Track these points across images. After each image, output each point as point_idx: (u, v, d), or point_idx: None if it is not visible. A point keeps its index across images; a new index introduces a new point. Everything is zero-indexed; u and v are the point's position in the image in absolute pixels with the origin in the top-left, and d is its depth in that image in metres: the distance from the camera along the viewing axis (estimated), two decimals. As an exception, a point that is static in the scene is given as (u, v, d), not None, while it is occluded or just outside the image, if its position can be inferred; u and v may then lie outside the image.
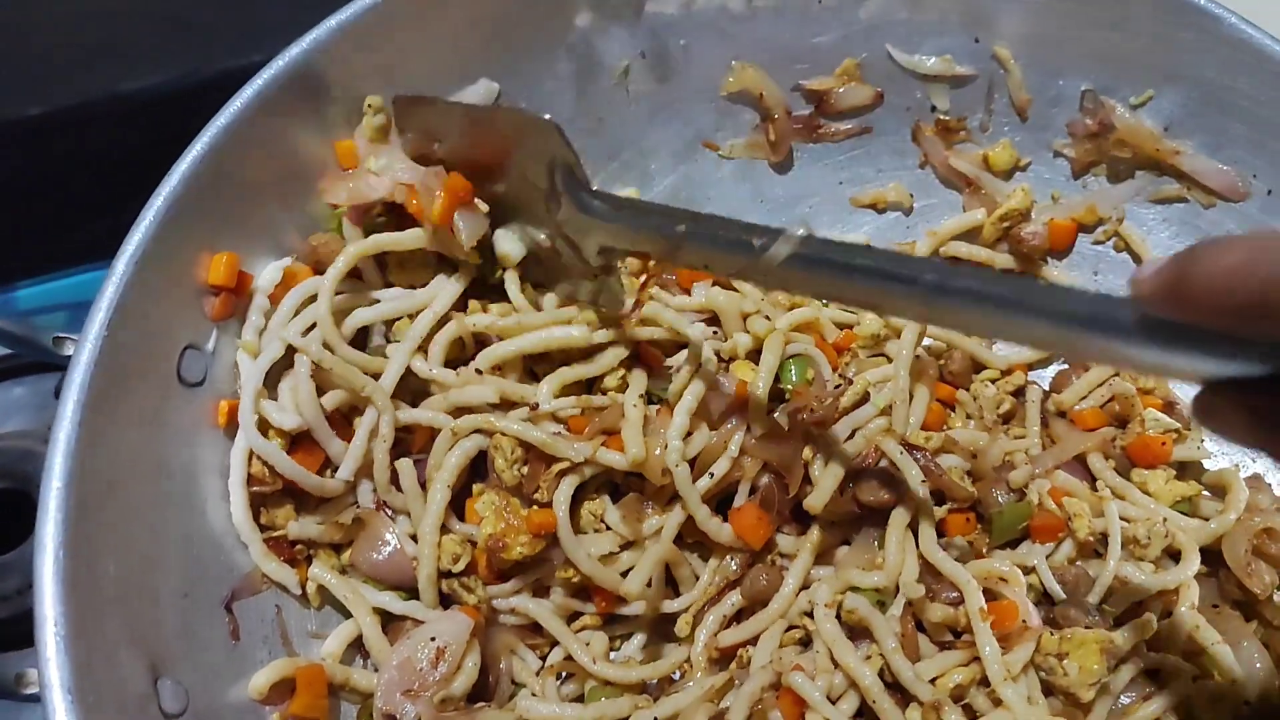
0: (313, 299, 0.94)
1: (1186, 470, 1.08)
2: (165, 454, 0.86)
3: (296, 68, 0.94)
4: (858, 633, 0.91)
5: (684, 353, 1.01)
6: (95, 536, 0.77)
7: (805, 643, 0.94)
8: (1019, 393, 1.12)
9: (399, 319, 0.98)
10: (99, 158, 1.32)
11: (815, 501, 0.94)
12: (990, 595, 0.94)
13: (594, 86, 1.12)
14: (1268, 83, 1.01)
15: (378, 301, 0.99)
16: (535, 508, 0.92)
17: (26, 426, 1.19)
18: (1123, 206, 1.14)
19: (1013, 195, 1.15)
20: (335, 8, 0.96)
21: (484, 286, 1.01)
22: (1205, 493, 1.06)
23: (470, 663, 0.89)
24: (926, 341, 1.08)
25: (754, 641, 0.95)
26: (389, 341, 0.98)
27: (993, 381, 1.12)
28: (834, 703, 0.88)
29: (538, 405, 0.93)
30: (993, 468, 1.02)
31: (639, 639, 0.98)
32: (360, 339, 0.99)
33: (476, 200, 0.96)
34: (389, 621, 0.94)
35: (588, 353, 0.98)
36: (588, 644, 0.95)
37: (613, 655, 0.97)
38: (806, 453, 0.95)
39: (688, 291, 1.07)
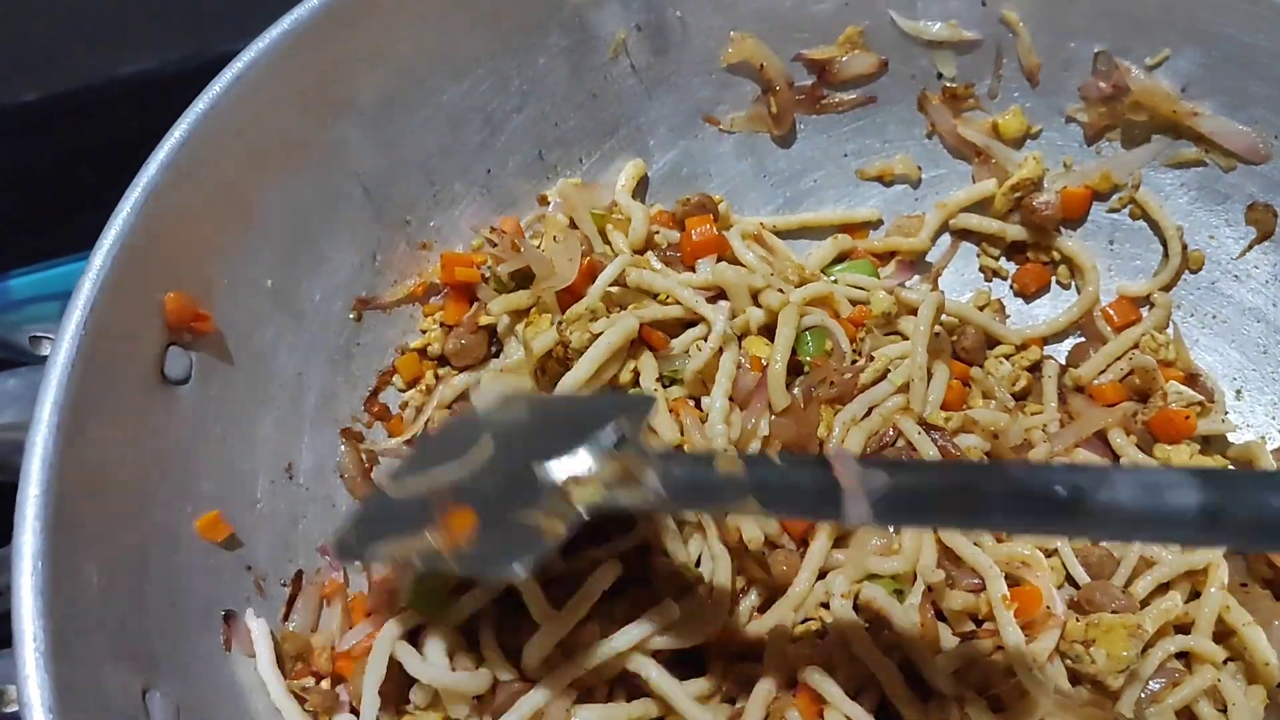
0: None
1: (1211, 444, 1.04)
2: (150, 456, 0.83)
3: (278, 50, 0.90)
4: (876, 623, 0.88)
5: (689, 333, 0.98)
6: (77, 545, 0.74)
7: (821, 634, 0.90)
8: (1035, 368, 1.09)
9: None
10: (97, 144, 1.30)
11: (831, 484, 0.90)
12: (1012, 581, 0.90)
13: (588, 61, 1.07)
14: (1292, 40, 0.97)
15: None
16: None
17: (20, 419, 1.16)
18: (1139, 172, 1.10)
19: (1024, 164, 1.11)
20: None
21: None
22: (1231, 467, 1.02)
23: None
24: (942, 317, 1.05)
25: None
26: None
27: (1007, 357, 1.09)
28: (854, 698, 0.85)
29: None
30: (1011, 447, 0.98)
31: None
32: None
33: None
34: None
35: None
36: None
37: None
38: (822, 431, 0.92)
39: (692, 268, 1.04)
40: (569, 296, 1.00)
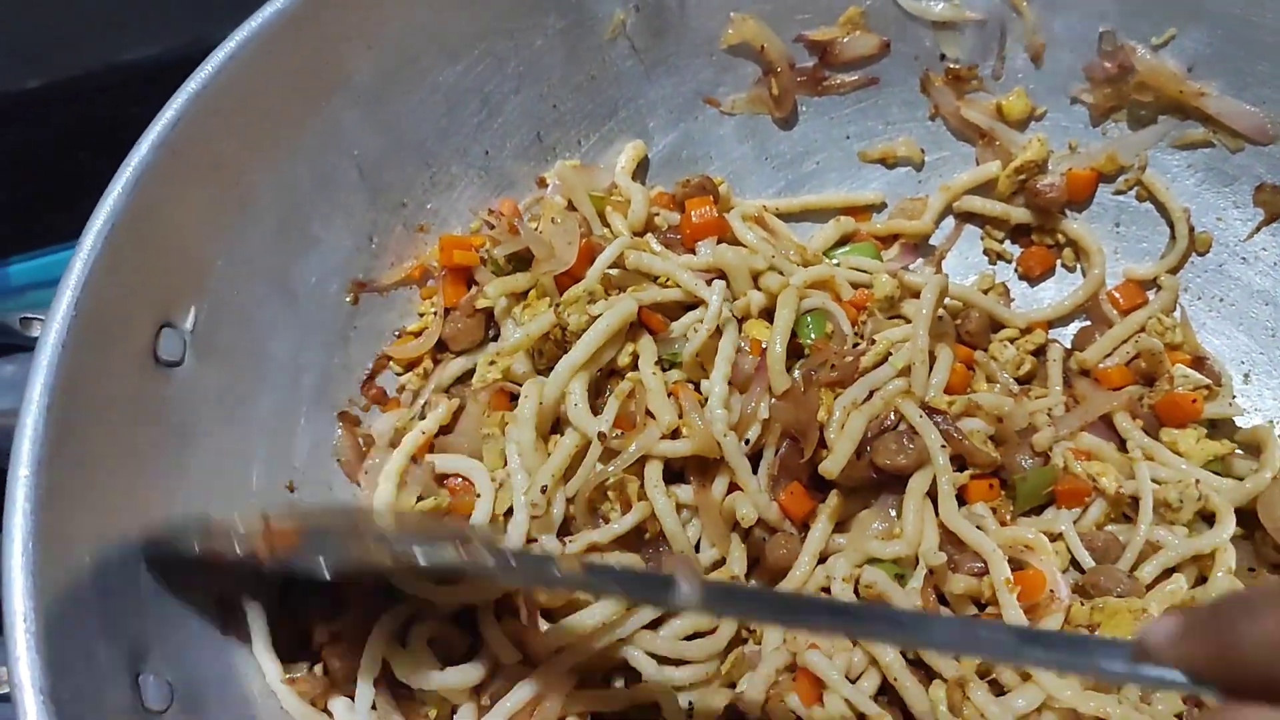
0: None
1: (1218, 428, 1.03)
2: (143, 438, 0.82)
3: (268, 32, 0.89)
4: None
5: (689, 315, 0.97)
6: (68, 526, 0.73)
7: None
8: (1039, 352, 1.08)
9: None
10: (97, 130, 1.28)
11: (832, 466, 0.89)
12: (1016, 564, 0.89)
13: (586, 42, 1.06)
14: (1297, 18, 0.96)
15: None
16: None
17: (16, 405, 1.16)
18: (1145, 154, 1.09)
19: (1028, 146, 1.10)
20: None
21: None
22: (1239, 451, 1.01)
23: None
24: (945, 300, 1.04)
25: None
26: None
27: (1012, 341, 1.07)
28: (854, 682, 0.84)
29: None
30: (1016, 431, 0.97)
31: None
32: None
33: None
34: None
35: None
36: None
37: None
38: (822, 415, 0.91)
39: (692, 250, 1.03)
40: (567, 279, 0.99)
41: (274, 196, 0.92)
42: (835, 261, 1.08)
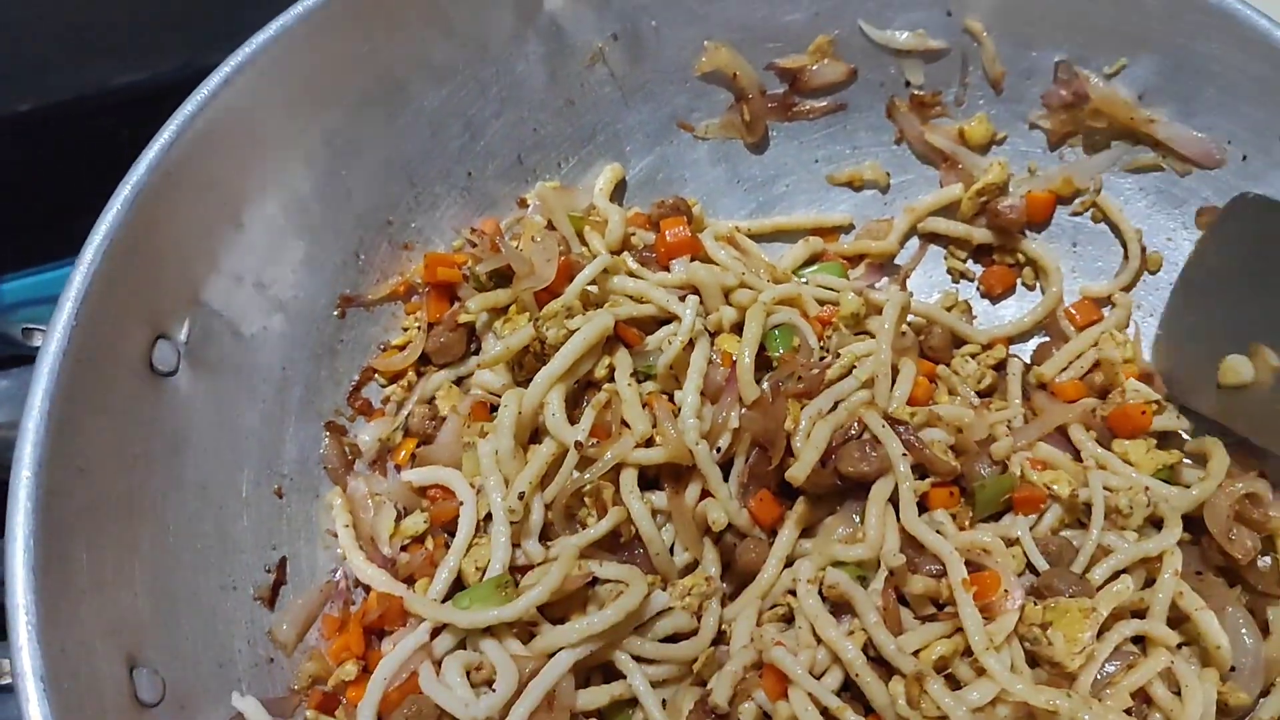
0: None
1: (1167, 440, 1.07)
2: (139, 444, 0.86)
3: (261, 57, 0.93)
4: (840, 608, 0.91)
5: (663, 330, 1.01)
6: (67, 525, 0.77)
7: (788, 620, 0.93)
8: (1000, 366, 1.12)
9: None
10: (92, 150, 1.31)
11: (798, 473, 0.93)
12: (973, 567, 0.93)
13: (565, 69, 1.11)
14: (1239, 46, 1.01)
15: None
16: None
17: (11, 418, 1.18)
18: (1100, 177, 1.14)
19: (989, 169, 1.15)
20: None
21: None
22: (1187, 461, 1.05)
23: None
24: (910, 318, 1.08)
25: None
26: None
27: (973, 356, 1.12)
28: (818, 678, 0.87)
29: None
30: (975, 441, 1.01)
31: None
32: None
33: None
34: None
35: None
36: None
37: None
38: (789, 425, 0.95)
39: (666, 268, 1.07)
40: (546, 295, 1.02)
41: (265, 214, 0.97)
42: (803, 279, 1.12)
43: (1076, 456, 1.04)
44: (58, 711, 0.70)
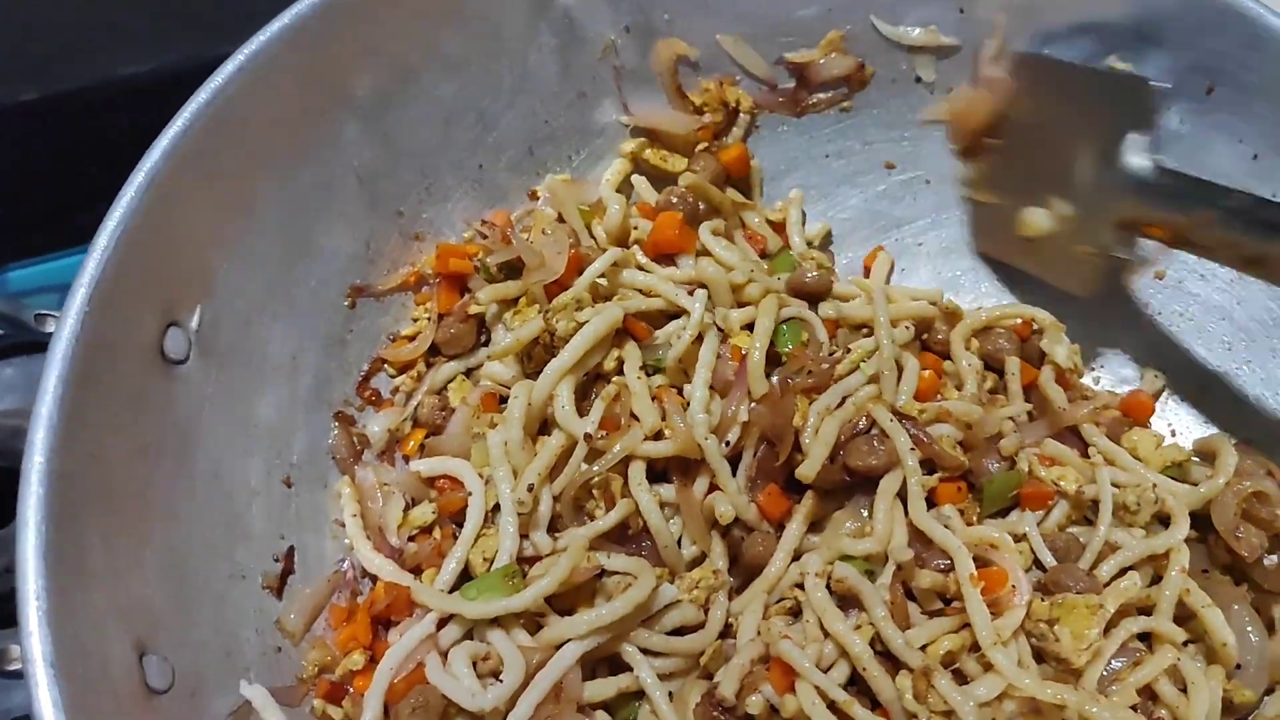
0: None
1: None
2: (150, 431, 0.86)
3: (275, 46, 0.93)
4: (848, 602, 0.91)
5: (672, 324, 1.02)
6: (79, 511, 0.76)
7: (795, 613, 0.93)
8: (1000, 370, 1.11)
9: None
10: (97, 141, 1.31)
11: (807, 470, 0.94)
12: (981, 563, 0.93)
13: (578, 61, 1.11)
14: (1251, 45, 1.01)
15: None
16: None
17: (19, 405, 1.19)
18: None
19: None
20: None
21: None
22: (1195, 458, 1.05)
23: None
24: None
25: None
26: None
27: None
28: (825, 672, 0.88)
29: (590, 435, 0.94)
30: (985, 438, 1.02)
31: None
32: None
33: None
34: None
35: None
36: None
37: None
38: (797, 420, 0.95)
39: (671, 261, 1.07)
40: (556, 288, 1.02)
41: (277, 204, 0.97)
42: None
43: (1084, 452, 1.04)
44: (68, 698, 0.69)
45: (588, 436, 0.94)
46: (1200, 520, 0.99)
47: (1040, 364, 1.10)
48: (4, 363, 1.23)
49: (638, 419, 0.96)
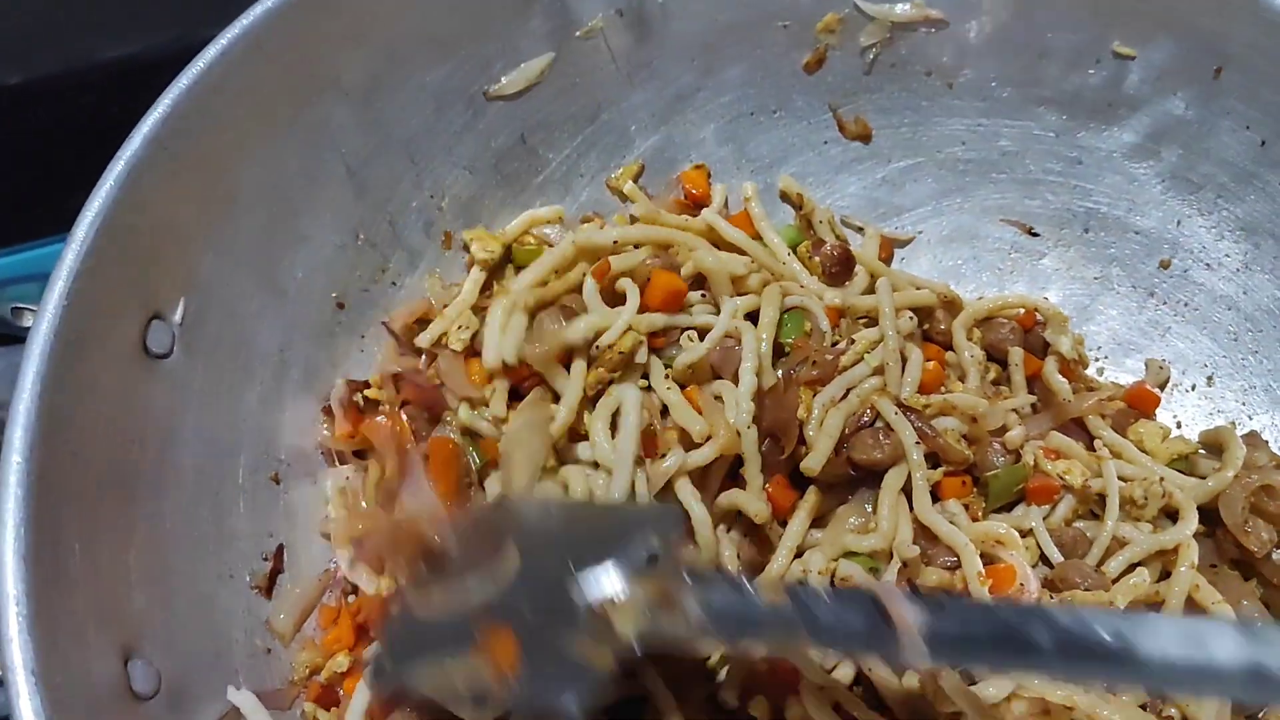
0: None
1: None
2: (133, 428, 0.83)
3: (260, 29, 0.90)
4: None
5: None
6: (59, 512, 0.74)
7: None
8: (1004, 362, 1.09)
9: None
10: (76, 127, 1.29)
11: (813, 463, 0.92)
12: (987, 559, 0.91)
13: (570, 46, 1.08)
14: (1260, 30, 0.99)
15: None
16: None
17: (3, 398, 1.16)
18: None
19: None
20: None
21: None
22: (1202, 451, 1.04)
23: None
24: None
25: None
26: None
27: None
28: (829, 673, 0.86)
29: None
30: (989, 431, 1.00)
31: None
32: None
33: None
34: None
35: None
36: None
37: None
38: (801, 413, 0.93)
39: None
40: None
41: (262, 192, 0.94)
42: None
43: (1089, 445, 1.02)
44: (50, 705, 0.67)
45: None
46: (1208, 514, 0.97)
47: (1044, 355, 1.08)
48: (-11, 354, 1.20)
49: (672, 431, 0.94)
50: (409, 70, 1.01)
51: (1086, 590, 0.89)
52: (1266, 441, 1.05)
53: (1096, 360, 1.14)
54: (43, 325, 0.76)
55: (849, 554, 0.91)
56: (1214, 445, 1.03)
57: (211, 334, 0.90)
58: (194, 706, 0.81)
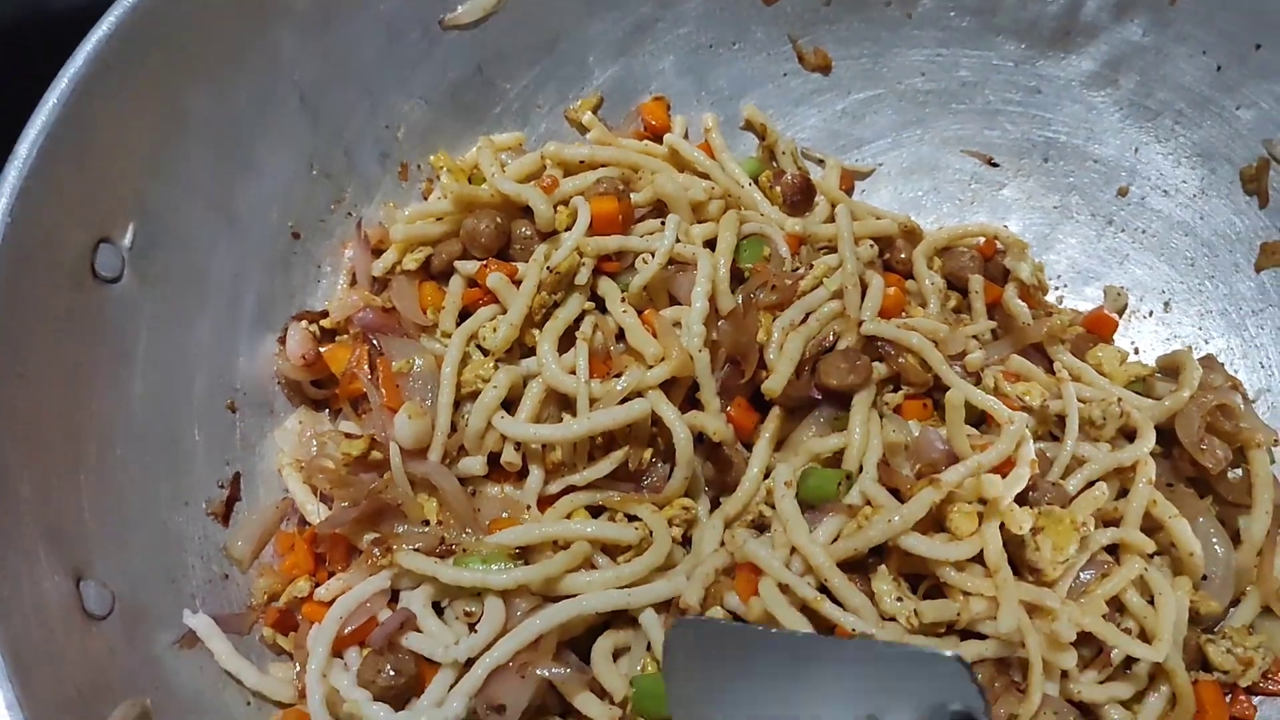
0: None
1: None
2: (82, 351, 0.81)
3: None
4: (815, 513, 0.88)
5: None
6: (5, 435, 0.73)
7: (761, 527, 0.91)
8: (964, 290, 1.10)
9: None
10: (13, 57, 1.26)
11: (774, 384, 0.91)
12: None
13: (526, -27, 1.07)
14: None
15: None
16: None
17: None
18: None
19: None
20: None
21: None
22: (1159, 375, 1.04)
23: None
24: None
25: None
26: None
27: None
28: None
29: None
30: (949, 355, 1.00)
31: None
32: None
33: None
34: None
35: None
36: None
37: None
38: (761, 336, 0.93)
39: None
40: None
41: (213, 118, 0.92)
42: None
43: (1049, 371, 1.02)
44: (2, 621, 0.66)
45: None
46: (1165, 435, 0.98)
47: (1004, 283, 1.08)
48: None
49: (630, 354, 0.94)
50: (363, -4, 0.99)
51: (1049, 503, 0.89)
52: (1222, 365, 1.05)
53: (1056, 289, 1.15)
54: (-16, 247, 0.74)
55: (815, 461, 0.91)
56: (1171, 369, 1.04)
57: (162, 260, 0.88)
58: (150, 629, 0.80)
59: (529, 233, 0.98)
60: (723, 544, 0.89)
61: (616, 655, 0.88)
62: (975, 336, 1.03)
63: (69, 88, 0.80)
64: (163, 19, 0.86)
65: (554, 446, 0.91)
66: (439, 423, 0.91)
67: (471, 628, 0.86)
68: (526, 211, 0.99)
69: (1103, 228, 1.14)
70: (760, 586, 0.83)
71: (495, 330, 0.94)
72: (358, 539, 0.90)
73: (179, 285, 0.90)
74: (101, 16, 0.83)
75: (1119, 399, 0.98)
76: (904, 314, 1.02)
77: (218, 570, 0.89)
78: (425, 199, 1.06)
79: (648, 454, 0.93)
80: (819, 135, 1.18)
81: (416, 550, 0.87)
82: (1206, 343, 1.09)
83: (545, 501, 0.93)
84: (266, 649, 0.89)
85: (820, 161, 1.17)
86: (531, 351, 0.95)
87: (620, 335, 0.95)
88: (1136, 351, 1.10)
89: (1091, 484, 0.94)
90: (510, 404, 0.93)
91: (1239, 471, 0.98)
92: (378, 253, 1.02)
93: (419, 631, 0.86)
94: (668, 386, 0.92)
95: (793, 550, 0.86)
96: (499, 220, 0.98)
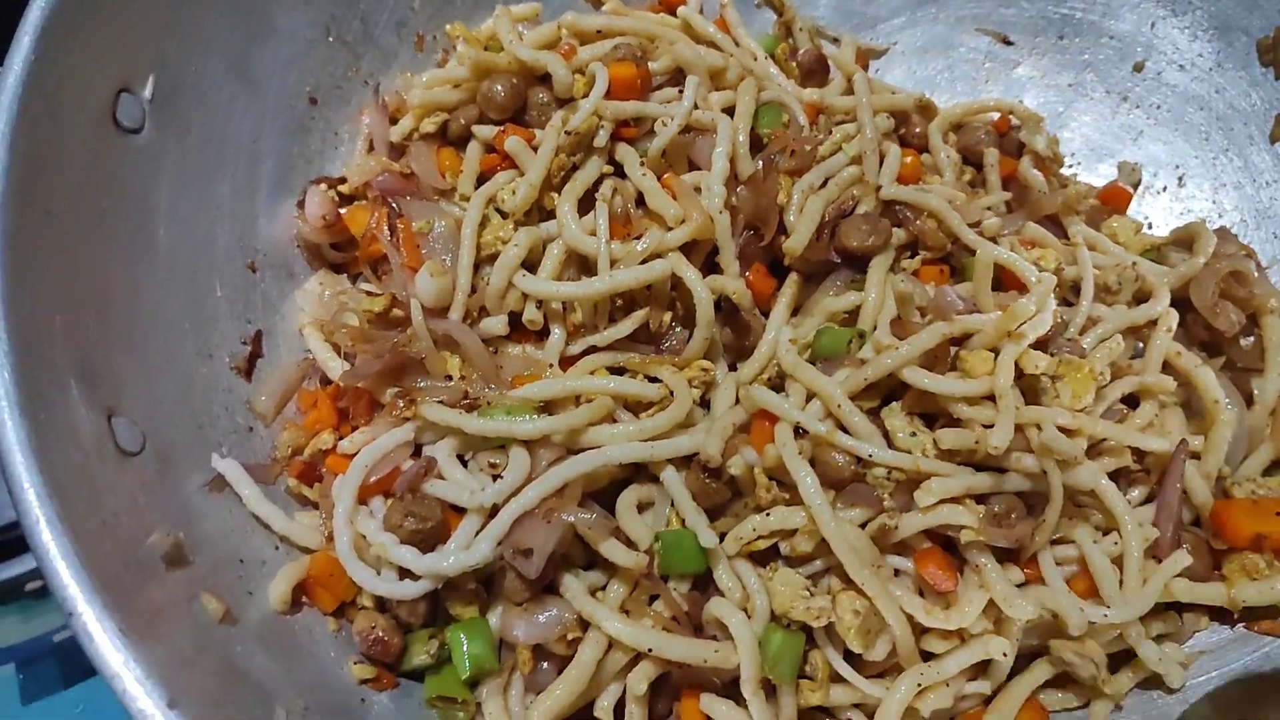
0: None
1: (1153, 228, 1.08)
2: (105, 198, 0.81)
3: None
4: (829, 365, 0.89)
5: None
6: (36, 264, 0.73)
7: (775, 386, 0.91)
8: (980, 164, 1.10)
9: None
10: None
11: (795, 244, 0.92)
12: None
13: None
14: None
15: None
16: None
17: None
18: None
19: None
20: None
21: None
22: (1173, 246, 1.05)
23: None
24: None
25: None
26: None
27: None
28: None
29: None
30: (969, 224, 1.00)
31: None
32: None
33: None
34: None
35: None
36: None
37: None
38: (781, 199, 0.93)
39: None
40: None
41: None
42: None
43: (1064, 237, 1.03)
44: (35, 438, 0.66)
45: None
46: (1178, 303, 0.98)
47: (1019, 158, 1.09)
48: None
49: (650, 217, 0.93)
50: None
51: (1068, 355, 0.89)
52: (1236, 235, 1.05)
53: (1070, 167, 1.15)
54: (10, 79, 0.74)
55: (831, 320, 0.91)
56: (1185, 241, 1.05)
57: (182, 115, 0.88)
58: (180, 470, 0.80)
59: (546, 99, 0.98)
60: (738, 401, 0.89)
61: (640, 510, 0.89)
62: (990, 208, 1.03)
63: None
64: None
65: (575, 307, 0.91)
66: (460, 282, 0.91)
67: (495, 479, 0.86)
68: (544, 80, 0.98)
69: (1117, 104, 1.14)
70: (776, 431, 0.83)
71: (514, 192, 0.93)
72: (380, 393, 0.90)
73: (199, 142, 0.90)
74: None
75: (1134, 264, 0.98)
76: (921, 181, 1.02)
77: (242, 422, 0.89)
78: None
79: (667, 317, 0.94)
80: (833, 14, 1.18)
81: (440, 403, 0.88)
82: (1220, 216, 1.10)
83: (567, 362, 0.93)
84: (292, 499, 0.89)
85: (835, 40, 1.17)
86: (551, 216, 0.94)
87: (640, 200, 0.95)
88: (1150, 226, 1.11)
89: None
90: (530, 267, 0.93)
91: (1250, 338, 0.99)
92: (395, 120, 1.02)
93: (443, 480, 0.87)
94: (687, 250, 0.92)
95: (809, 398, 0.87)
96: (515, 82, 0.97)
